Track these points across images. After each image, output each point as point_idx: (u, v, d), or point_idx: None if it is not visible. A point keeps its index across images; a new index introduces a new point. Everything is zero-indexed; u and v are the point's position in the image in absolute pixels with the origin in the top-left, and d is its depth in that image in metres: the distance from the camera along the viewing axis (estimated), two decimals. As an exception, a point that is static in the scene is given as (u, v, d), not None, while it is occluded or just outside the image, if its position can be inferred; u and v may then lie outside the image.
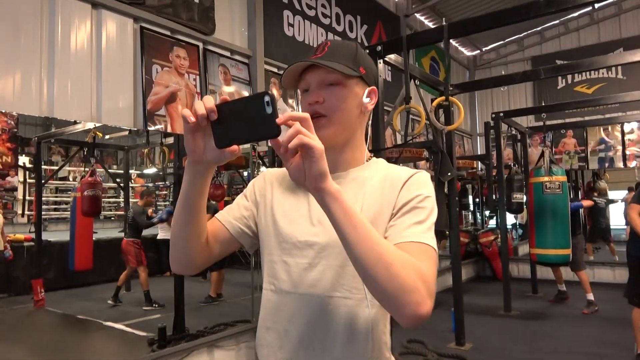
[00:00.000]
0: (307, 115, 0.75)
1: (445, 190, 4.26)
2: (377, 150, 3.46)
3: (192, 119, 0.75)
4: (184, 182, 0.88)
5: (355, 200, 0.96)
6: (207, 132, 0.78)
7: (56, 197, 12.78)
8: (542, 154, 5.31)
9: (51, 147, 11.37)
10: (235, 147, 0.77)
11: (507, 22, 3.01)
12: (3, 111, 3.38)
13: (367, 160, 1.05)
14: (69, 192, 12.85)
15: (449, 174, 4.17)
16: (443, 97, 3.25)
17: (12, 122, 3.77)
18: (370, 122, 1.07)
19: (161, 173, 11.78)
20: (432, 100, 4.49)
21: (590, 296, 5.74)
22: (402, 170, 1.00)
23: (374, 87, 1.02)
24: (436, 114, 3.65)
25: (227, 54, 4.35)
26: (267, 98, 0.71)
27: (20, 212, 9.34)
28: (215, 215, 1.07)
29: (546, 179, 4.98)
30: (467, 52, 10.80)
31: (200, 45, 4.10)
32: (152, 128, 3.61)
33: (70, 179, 12.78)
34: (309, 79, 0.98)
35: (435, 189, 4.24)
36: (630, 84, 8.44)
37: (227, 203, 7.00)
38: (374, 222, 0.89)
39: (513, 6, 2.90)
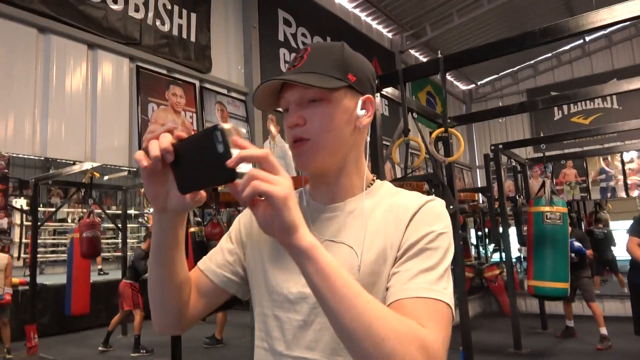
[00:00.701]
0: (264, 153, 0.61)
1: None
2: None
3: (145, 163, 0.65)
4: (153, 234, 0.76)
5: (355, 240, 0.79)
6: (169, 175, 0.67)
7: (54, 239, 12.65)
8: (542, 184, 5.24)
9: (50, 189, 11.35)
10: (196, 193, 0.66)
11: (502, 52, 3.01)
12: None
13: (369, 186, 0.86)
14: (67, 234, 12.74)
15: (451, 207, 4.09)
16: (442, 129, 3.21)
17: (3, 163, 3.73)
18: (369, 138, 0.87)
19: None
20: (431, 134, 4.48)
21: (604, 330, 5.54)
22: (411, 199, 0.81)
23: (369, 96, 0.83)
24: (435, 146, 3.61)
25: (224, 91, 4.36)
26: (216, 134, 0.59)
27: (16, 255, 9.20)
28: (198, 263, 0.92)
29: (547, 208, 4.87)
30: (463, 86, 10.94)
31: (197, 83, 4.12)
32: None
33: (69, 221, 12.70)
34: (287, 96, 0.81)
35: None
36: (625, 114, 8.50)
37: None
38: (374, 270, 0.76)
39: (507, 37, 2.91)
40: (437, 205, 0.80)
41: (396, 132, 4.32)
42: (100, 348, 6.36)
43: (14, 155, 3.14)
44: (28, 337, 6.04)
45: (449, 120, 4.58)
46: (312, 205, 0.86)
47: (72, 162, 6.52)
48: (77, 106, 3.28)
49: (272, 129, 4.80)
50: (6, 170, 3.55)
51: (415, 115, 4.12)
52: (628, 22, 2.42)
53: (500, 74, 10.38)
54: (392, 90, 3.87)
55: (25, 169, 10.36)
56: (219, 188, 6.43)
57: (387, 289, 0.75)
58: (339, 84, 0.79)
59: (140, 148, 2.94)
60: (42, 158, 3.56)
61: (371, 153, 3.50)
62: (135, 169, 3.76)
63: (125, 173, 6.96)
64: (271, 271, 0.85)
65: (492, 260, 9.68)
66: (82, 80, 3.34)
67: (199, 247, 6.59)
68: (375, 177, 0.88)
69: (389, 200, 0.82)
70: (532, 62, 9.81)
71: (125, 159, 3.50)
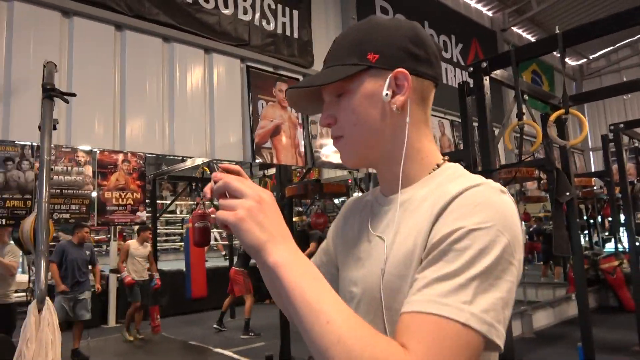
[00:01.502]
0: (221, 182, 0.64)
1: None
2: (488, 170, 3.27)
3: (208, 195, 0.70)
4: None
5: (390, 238, 0.72)
6: None
7: (167, 229, 13.87)
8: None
9: (161, 183, 12.48)
10: None
11: (634, 23, 2.72)
12: (133, 152, 3.77)
13: (431, 172, 0.75)
14: (177, 225, 13.89)
15: (568, 193, 3.82)
16: (562, 110, 2.99)
17: (141, 162, 4.17)
18: (409, 119, 0.73)
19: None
20: (542, 116, 4.19)
21: None
22: (455, 185, 0.67)
23: (400, 70, 0.71)
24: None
25: (326, 84, 4.46)
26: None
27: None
28: None
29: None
30: (572, 62, 10.04)
31: (301, 78, 4.25)
32: (259, 161, 3.77)
33: (177, 212, 13.85)
34: (324, 97, 0.79)
35: (553, 210, 3.91)
36: None
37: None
38: (401, 274, 0.66)
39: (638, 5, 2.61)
40: (480, 192, 0.63)
41: (506, 116, 4.12)
42: (215, 326, 6.92)
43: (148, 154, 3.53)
44: (152, 317, 6.71)
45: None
46: (379, 198, 0.82)
47: (180, 159, 7.12)
48: (198, 107, 3.55)
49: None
50: (144, 169, 4.00)
51: (526, 97, 3.89)
52: None
53: (617, 45, 9.34)
54: (501, 72, 3.68)
55: (140, 166, 11.33)
56: (316, 177, 6.50)
57: None
58: (349, 71, 0.72)
59: (252, 143, 3.10)
60: (157, 155, 3.95)
61: (480, 140, 3.38)
62: (249, 162, 3.99)
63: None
64: (340, 269, 0.84)
65: (607, 250, 8.89)
66: (201, 83, 3.61)
67: (300, 237, 6.87)
68: (444, 160, 0.77)
69: (445, 187, 0.68)
70: (656, 29, 8.69)
71: (239, 153, 3.73)
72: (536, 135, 3.41)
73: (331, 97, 0.76)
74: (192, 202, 11.48)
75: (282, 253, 0.60)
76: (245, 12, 3.84)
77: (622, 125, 5.52)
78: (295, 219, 6.50)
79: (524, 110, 3.28)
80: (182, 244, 12.00)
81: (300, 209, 8.08)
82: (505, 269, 0.59)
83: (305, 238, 6.71)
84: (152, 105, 3.32)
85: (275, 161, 3.85)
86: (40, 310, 1.70)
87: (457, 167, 0.75)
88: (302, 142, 4.04)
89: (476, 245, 0.58)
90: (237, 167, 0.71)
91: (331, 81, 0.71)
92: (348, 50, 0.73)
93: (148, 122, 3.29)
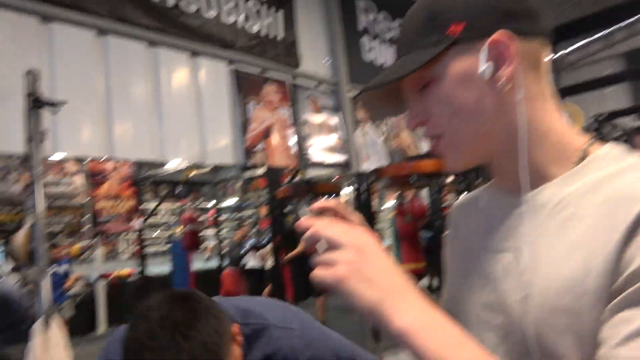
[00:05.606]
0: (312, 231, 0.51)
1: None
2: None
3: None
4: None
5: (530, 254, 0.54)
6: None
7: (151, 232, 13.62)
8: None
9: (142, 187, 12.28)
10: None
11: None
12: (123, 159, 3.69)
13: (579, 160, 0.55)
14: (160, 227, 13.67)
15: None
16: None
17: (132, 169, 4.04)
18: (522, 93, 0.55)
19: (242, 204, 12.15)
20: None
21: None
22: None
23: (495, 37, 0.53)
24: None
25: (314, 84, 4.44)
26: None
27: (122, 249, 10.04)
28: None
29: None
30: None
31: (288, 79, 4.22)
32: (251, 163, 3.73)
33: (159, 215, 13.60)
34: (405, 92, 0.63)
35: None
36: None
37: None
38: (558, 307, 0.49)
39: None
40: None
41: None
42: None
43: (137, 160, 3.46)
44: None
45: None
46: (496, 198, 0.64)
47: (159, 163, 6.99)
48: (186, 111, 3.50)
49: (362, 117, 4.82)
50: (135, 175, 3.88)
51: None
52: None
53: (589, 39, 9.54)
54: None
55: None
56: (305, 178, 6.49)
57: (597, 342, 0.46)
58: (427, 56, 0.55)
59: (244, 146, 3.05)
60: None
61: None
62: (240, 165, 3.94)
63: (209, 169, 7.29)
64: (458, 289, 0.69)
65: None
66: (187, 86, 3.55)
67: (290, 236, 6.80)
68: (590, 143, 0.56)
69: (611, 183, 0.50)
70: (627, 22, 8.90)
71: (231, 157, 3.70)
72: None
73: (414, 92, 0.61)
74: (178, 206, 11.38)
75: (407, 314, 0.47)
76: (229, 15, 3.80)
77: (605, 116, 5.65)
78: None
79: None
80: (166, 247, 11.85)
81: (289, 207, 8.06)
82: None
83: (294, 238, 6.66)
84: (139, 110, 3.26)
85: (268, 163, 3.82)
86: (46, 330, 1.64)
87: (617, 152, 0.55)
88: (293, 143, 4.03)
89: None
90: (333, 204, 0.56)
91: (407, 73, 0.56)
92: (421, 28, 0.57)
93: (136, 127, 3.22)
